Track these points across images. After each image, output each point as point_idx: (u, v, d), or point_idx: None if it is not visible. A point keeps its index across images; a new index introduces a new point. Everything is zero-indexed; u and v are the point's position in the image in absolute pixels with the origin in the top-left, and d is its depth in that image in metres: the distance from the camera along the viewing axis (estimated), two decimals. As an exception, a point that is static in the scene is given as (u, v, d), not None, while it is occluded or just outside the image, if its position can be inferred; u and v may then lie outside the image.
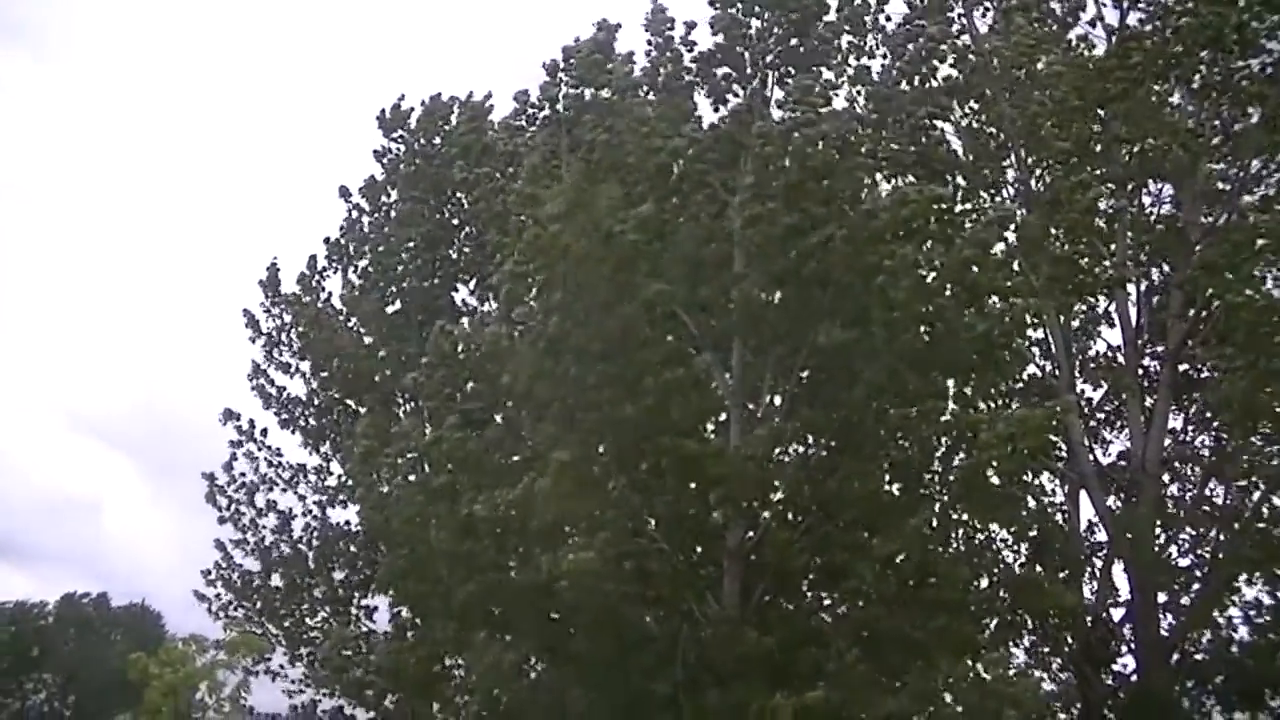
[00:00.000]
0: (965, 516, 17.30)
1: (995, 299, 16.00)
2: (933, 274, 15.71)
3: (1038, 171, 21.93)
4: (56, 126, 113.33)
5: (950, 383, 17.03)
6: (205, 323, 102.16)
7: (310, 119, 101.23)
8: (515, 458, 19.58)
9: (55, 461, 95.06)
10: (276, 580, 26.57)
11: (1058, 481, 23.20)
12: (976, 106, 22.24)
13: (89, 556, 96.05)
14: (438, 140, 26.14)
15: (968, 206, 19.70)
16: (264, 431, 26.92)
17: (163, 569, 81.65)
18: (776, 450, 16.88)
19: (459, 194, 25.26)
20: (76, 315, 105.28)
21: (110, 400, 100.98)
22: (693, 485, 16.87)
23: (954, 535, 17.74)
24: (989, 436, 15.04)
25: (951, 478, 16.67)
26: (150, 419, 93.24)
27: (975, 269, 15.67)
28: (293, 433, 26.71)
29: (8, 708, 63.23)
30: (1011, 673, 16.42)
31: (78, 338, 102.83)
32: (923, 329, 16.20)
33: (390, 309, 25.92)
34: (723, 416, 17.53)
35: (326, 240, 26.92)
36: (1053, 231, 20.23)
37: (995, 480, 16.30)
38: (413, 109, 26.73)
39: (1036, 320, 19.67)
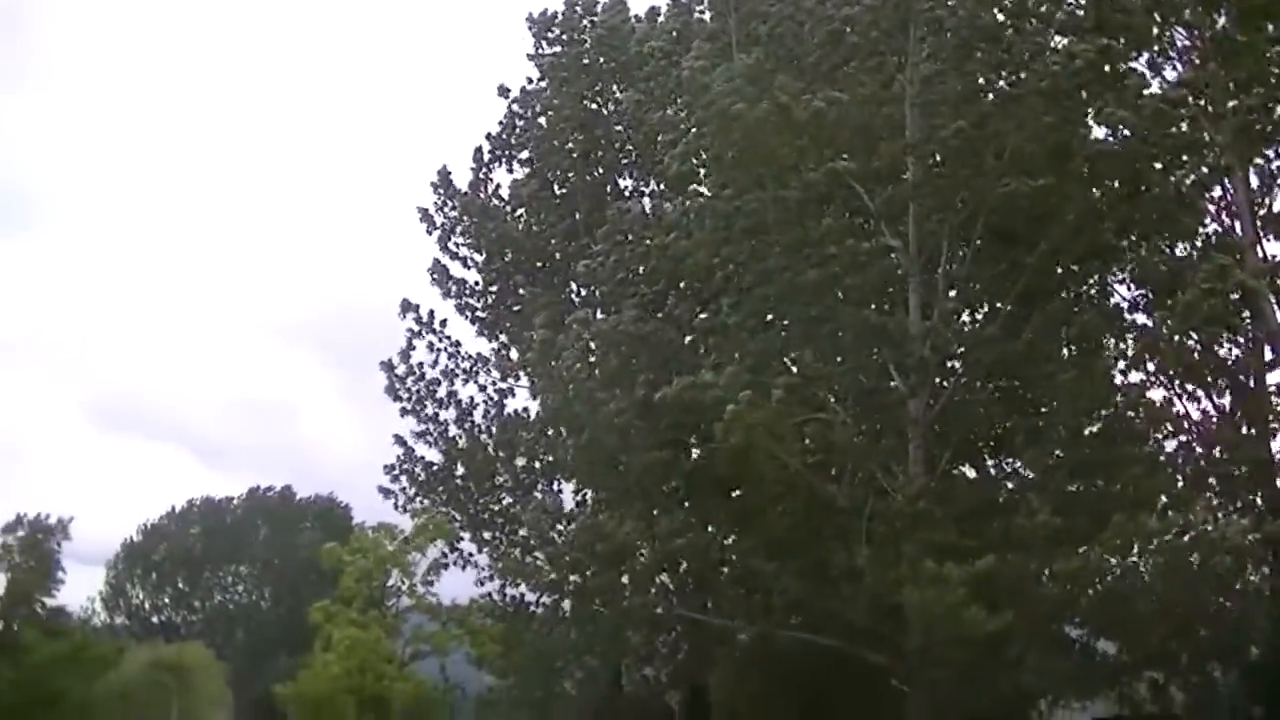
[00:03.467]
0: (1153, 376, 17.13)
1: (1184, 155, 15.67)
2: (1120, 129, 15.42)
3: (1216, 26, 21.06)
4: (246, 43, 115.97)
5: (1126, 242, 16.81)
6: (390, 224, 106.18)
7: (472, 28, 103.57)
8: (689, 339, 20.03)
9: (250, 364, 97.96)
10: (459, 470, 27.46)
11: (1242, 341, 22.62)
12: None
13: (283, 456, 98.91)
14: (585, 38, 26.37)
15: (1142, 61, 19.18)
16: (443, 322, 27.39)
17: (353, 464, 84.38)
18: (959, 316, 16.88)
19: (614, 84, 25.51)
20: (270, 225, 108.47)
21: (300, 301, 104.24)
22: (874, 355, 16.99)
23: (1143, 395, 17.56)
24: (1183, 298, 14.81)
25: (1132, 337, 16.53)
26: (340, 318, 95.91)
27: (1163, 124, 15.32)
28: (471, 321, 27.42)
29: (209, 600, 66.54)
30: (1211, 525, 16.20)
31: (270, 245, 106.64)
32: (1109, 184, 15.95)
33: (555, 198, 26.32)
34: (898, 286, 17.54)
35: (488, 136, 27.37)
36: (1233, 85, 19.48)
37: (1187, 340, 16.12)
38: (557, 13, 26.98)
39: (1226, 173, 19.13)
